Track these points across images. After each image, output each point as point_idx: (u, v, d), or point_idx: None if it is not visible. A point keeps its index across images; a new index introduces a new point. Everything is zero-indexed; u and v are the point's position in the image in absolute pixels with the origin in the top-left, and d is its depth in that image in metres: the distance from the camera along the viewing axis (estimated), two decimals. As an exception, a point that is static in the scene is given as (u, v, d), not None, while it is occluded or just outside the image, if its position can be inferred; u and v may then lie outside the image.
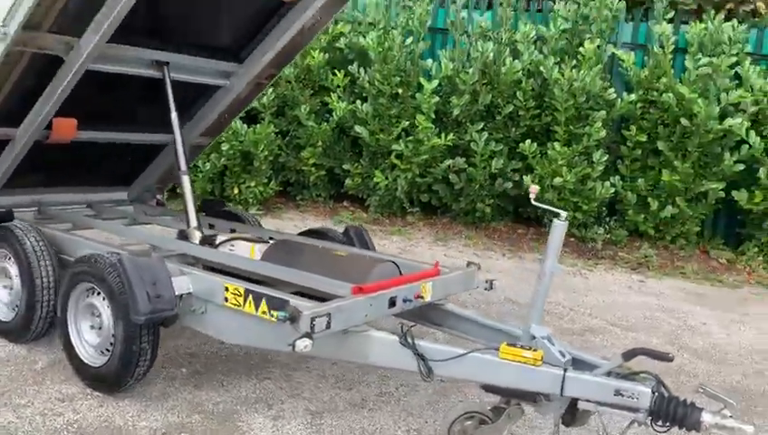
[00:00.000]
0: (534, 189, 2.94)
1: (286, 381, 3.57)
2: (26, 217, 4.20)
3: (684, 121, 6.76)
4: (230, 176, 7.77)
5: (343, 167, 7.99)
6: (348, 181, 7.97)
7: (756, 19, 8.19)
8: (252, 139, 7.56)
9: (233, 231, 4.50)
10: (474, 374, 2.76)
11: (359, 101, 7.66)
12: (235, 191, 7.72)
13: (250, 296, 2.94)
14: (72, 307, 3.35)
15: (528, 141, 7.14)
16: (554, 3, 7.57)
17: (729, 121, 6.66)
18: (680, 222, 7.10)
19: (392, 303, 3.09)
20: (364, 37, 7.72)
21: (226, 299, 3.03)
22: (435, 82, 7.35)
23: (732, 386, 4.06)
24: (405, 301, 3.15)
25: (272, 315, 2.83)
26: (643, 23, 7.56)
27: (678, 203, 6.96)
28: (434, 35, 8.07)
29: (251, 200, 7.71)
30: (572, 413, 2.65)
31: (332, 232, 4.37)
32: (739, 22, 7.12)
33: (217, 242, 3.95)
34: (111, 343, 3.17)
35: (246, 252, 3.78)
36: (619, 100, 7.05)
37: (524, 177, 7.14)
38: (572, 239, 7.16)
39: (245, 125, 7.61)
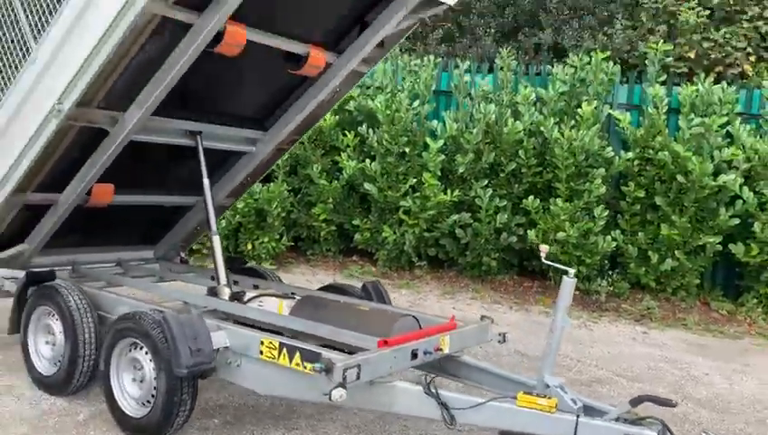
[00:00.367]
0: (544, 248, 3.22)
1: (312, 431, 3.76)
2: (62, 275, 4.44)
3: (680, 178, 7.03)
4: (244, 232, 8.06)
5: (353, 222, 8.26)
6: (357, 236, 8.23)
7: (744, 81, 8.58)
8: (266, 196, 7.89)
9: (255, 287, 4.75)
10: (493, 421, 2.98)
11: (368, 160, 7.99)
12: (249, 247, 7.99)
13: (284, 349, 3.17)
14: (115, 361, 3.57)
15: (531, 197, 7.42)
16: (553, 66, 7.97)
17: (723, 178, 6.94)
18: (680, 274, 7.30)
19: (414, 355, 3.32)
20: (373, 100, 8.12)
21: (261, 352, 3.25)
22: (440, 142, 7.70)
23: (735, 434, 4.24)
24: (426, 353, 3.38)
25: (305, 367, 3.06)
26: (637, 85, 7.93)
27: (678, 256, 7.16)
28: (438, 98, 8.49)
29: (263, 255, 7.97)
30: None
31: (351, 287, 4.63)
32: (728, 84, 7.49)
33: (246, 299, 4.19)
34: (153, 395, 3.38)
35: (275, 308, 4.02)
36: (617, 158, 7.36)
37: (528, 231, 7.39)
38: (577, 292, 7.22)
39: (260, 183, 7.91)
